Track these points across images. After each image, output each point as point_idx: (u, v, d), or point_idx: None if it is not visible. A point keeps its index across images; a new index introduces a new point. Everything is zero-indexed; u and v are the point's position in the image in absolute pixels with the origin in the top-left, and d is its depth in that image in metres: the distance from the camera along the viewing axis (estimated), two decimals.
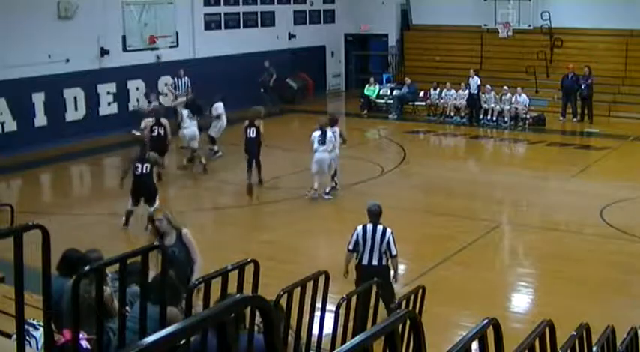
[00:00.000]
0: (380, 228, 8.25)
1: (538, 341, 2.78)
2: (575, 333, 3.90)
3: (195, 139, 16.25)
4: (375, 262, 8.22)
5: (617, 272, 10.39)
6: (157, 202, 11.88)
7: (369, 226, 8.27)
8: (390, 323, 2.17)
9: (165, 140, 15.06)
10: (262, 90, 23.23)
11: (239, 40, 23.60)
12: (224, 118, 17.19)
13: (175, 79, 20.63)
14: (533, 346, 2.69)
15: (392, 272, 8.41)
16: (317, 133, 13.74)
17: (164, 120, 15.19)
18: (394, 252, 8.23)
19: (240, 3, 24.29)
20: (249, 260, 4.19)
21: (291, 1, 26.15)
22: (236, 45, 23.30)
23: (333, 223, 13.26)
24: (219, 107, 17.05)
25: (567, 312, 7.91)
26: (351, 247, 8.31)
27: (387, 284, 8.15)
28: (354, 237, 8.28)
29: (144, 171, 11.82)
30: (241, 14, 24.33)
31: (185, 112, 16.22)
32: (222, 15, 23.65)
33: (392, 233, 8.25)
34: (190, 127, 16.10)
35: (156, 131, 14.95)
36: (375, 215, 8.34)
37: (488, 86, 21.97)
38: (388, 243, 8.19)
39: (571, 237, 12.04)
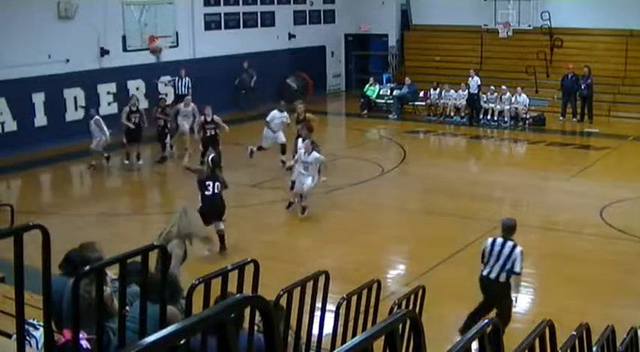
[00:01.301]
0: (510, 244, 8.02)
1: (538, 341, 2.78)
2: (575, 333, 3.90)
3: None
4: (492, 275, 8.03)
5: (617, 272, 10.40)
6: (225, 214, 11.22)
7: (499, 240, 8.09)
8: (390, 323, 2.17)
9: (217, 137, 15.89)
10: (243, 91, 23.20)
11: (239, 40, 23.60)
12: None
13: (176, 78, 20.64)
14: (533, 346, 2.69)
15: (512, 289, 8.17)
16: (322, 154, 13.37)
17: (216, 118, 16.00)
18: (517, 270, 7.95)
19: (240, 3, 24.28)
20: (249, 260, 4.19)
21: (291, 1, 26.14)
22: (236, 45, 23.30)
23: (333, 223, 13.25)
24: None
25: (567, 312, 7.93)
26: (482, 259, 8.20)
27: (501, 300, 8.00)
28: (483, 248, 8.18)
29: (215, 190, 10.93)
30: (241, 14, 24.31)
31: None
32: (222, 15, 23.64)
33: (521, 251, 7.99)
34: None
35: (209, 132, 15.82)
36: (506, 229, 8.15)
37: (492, 87, 21.97)
38: (514, 260, 7.94)
39: (571, 237, 12.04)
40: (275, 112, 16.38)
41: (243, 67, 23.18)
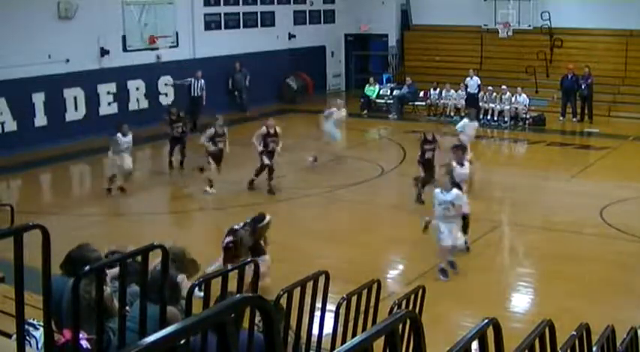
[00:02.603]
0: None
1: (538, 341, 2.78)
2: (575, 333, 3.89)
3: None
4: None
5: (617, 272, 10.39)
6: None
7: None
8: (390, 323, 2.17)
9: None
10: (236, 93, 23.17)
11: (239, 40, 23.60)
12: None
13: (192, 80, 20.68)
14: (533, 346, 2.69)
15: None
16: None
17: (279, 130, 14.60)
18: None
19: (240, 3, 24.28)
20: (249, 260, 4.19)
21: (291, 1, 26.15)
22: (236, 45, 23.30)
23: (333, 223, 13.25)
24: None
25: (567, 312, 7.92)
26: None
27: None
28: None
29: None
30: (241, 14, 24.32)
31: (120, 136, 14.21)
32: (222, 15, 23.64)
33: None
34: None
35: (272, 145, 14.36)
36: None
37: (490, 87, 21.97)
38: None
39: (571, 237, 12.03)
40: (466, 121, 15.65)
41: (236, 68, 23.16)
